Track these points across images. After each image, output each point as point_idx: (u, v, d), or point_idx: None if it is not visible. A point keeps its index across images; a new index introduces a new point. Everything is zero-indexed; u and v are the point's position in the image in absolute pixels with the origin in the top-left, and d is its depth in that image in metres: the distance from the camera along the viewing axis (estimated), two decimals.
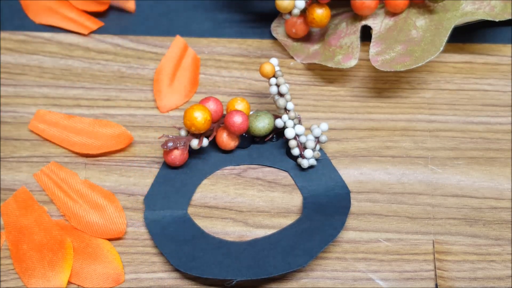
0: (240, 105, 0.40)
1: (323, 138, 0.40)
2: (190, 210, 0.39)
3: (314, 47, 0.46)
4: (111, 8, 0.47)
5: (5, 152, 0.41)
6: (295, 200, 0.40)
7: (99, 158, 0.41)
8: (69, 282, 0.37)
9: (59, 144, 0.41)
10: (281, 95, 0.40)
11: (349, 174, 0.41)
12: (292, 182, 0.40)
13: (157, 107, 0.43)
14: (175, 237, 0.38)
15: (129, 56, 0.45)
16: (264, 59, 0.46)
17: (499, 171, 0.41)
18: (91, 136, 0.41)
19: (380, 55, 0.42)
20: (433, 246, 0.38)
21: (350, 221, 0.39)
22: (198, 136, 0.40)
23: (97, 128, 0.42)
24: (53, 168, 0.40)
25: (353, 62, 0.43)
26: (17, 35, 0.46)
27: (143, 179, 0.40)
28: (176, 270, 0.37)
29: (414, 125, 0.43)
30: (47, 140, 0.42)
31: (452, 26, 0.42)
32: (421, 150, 0.42)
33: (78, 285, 0.37)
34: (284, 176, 0.41)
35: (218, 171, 0.41)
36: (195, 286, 0.37)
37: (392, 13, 0.44)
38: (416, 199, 0.40)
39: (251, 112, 0.41)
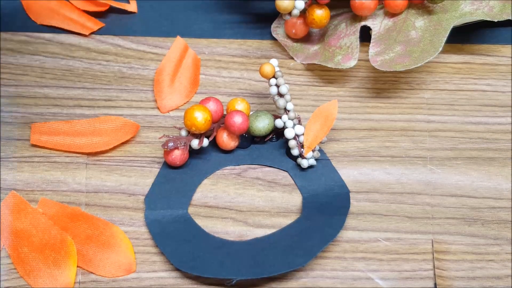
0: (240, 105, 0.41)
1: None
2: (191, 209, 0.40)
3: (314, 48, 0.46)
4: (112, 9, 0.47)
5: (6, 152, 0.41)
6: (295, 200, 0.40)
7: (100, 158, 0.41)
8: (82, 268, 0.37)
9: (66, 150, 0.41)
10: (281, 95, 0.40)
11: (349, 174, 0.41)
12: (292, 182, 0.41)
13: (158, 108, 0.43)
14: (175, 236, 0.38)
15: (129, 57, 0.46)
16: (264, 59, 0.46)
17: (498, 171, 0.41)
18: (95, 134, 0.41)
19: (380, 56, 0.42)
20: (432, 246, 0.38)
21: (350, 221, 0.39)
22: (199, 136, 0.40)
23: (98, 126, 0.42)
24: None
25: (352, 63, 0.43)
26: (18, 35, 0.46)
27: (144, 179, 0.41)
28: (177, 269, 0.37)
29: (413, 125, 0.43)
30: (53, 149, 0.41)
31: (451, 27, 0.42)
32: (420, 150, 0.42)
33: (91, 272, 0.37)
34: (284, 176, 0.41)
35: (218, 171, 0.41)
36: (196, 286, 0.37)
37: (391, 14, 0.44)
38: (415, 199, 0.40)
39: (251, 113, 0.41)
